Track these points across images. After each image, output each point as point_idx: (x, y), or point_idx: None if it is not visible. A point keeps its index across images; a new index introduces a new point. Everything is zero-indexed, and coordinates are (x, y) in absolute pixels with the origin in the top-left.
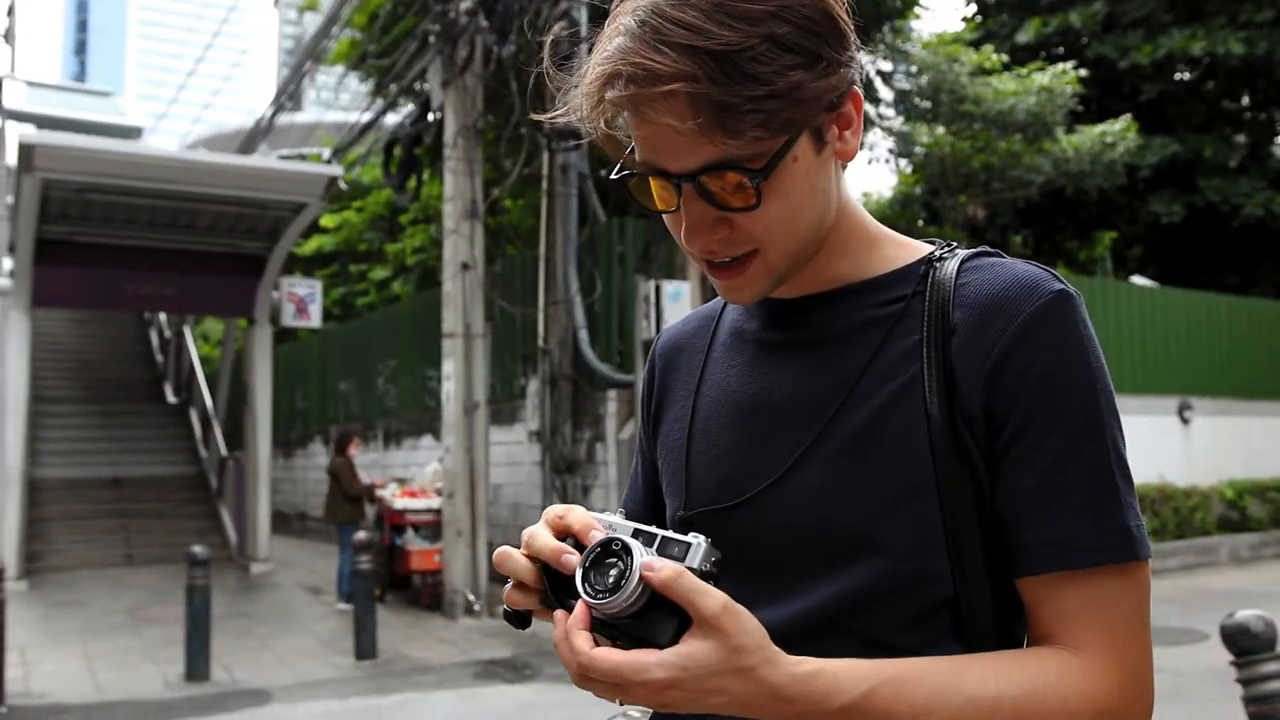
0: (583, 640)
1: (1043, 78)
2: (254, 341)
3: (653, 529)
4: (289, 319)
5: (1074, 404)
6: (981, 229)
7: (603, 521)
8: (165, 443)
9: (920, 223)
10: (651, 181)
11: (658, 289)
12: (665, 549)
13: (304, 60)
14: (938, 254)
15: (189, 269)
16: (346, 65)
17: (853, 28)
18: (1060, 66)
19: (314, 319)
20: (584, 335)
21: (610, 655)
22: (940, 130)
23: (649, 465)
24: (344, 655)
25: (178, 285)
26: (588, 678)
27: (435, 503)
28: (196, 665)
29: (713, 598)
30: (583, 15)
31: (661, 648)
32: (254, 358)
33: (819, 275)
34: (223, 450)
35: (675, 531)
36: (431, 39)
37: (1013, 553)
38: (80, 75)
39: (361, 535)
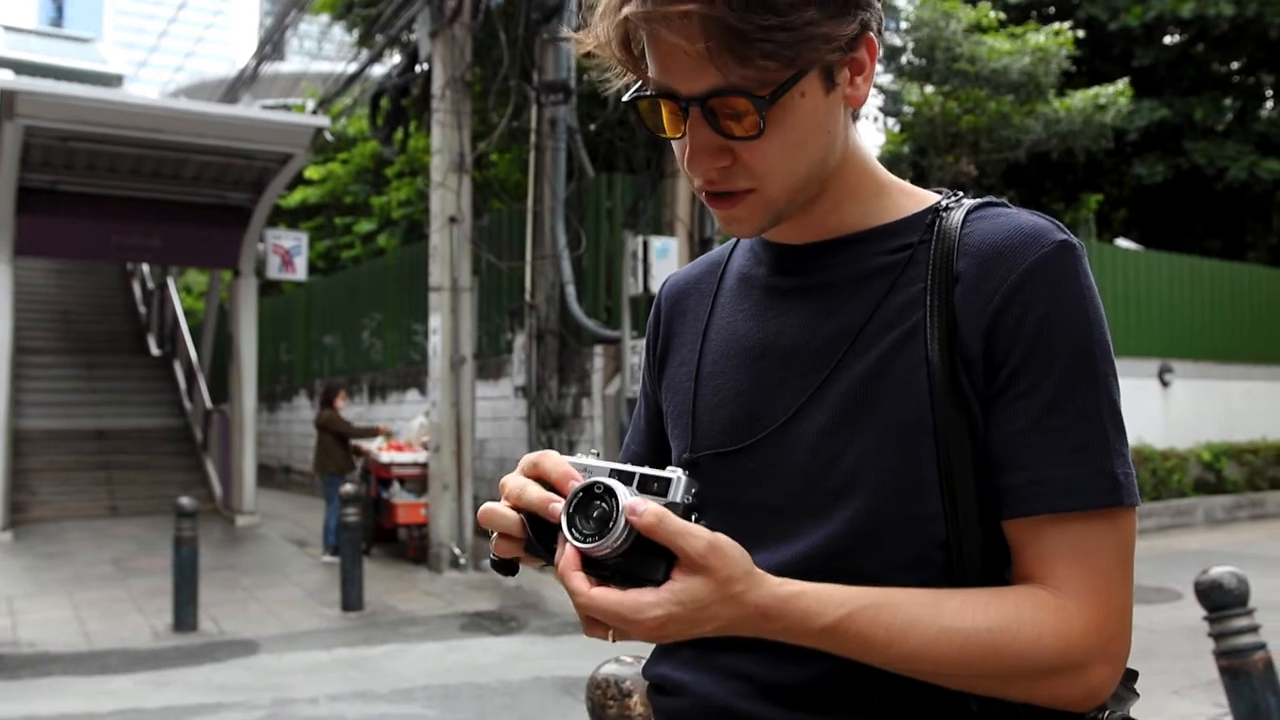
0: (579, 581)
1: (1038, 37)
2: (239, 294)
3: (629, 467)
4: (274, 271)
5: (1070, 350)
6: (967, 189)
7: (577, 465)
8: (149, 395)
9: (908, 182)
10: (662, 105)
11: (645, 245)
12: (645, 486)
13: (288, 10)
14: (944, 203)
15: (173, 220)
16: (332, 15)
17: None
18: (1056, 26)
19: (300, 272)
20: (571, 290)
21: (608, 595)
22: (930, 89)
23: (653, 407)
24: (330, 607)
25: (162, 236)
26: (590, 618)
27: (421, 456)
28: (184, 615)
29: (697, 538)
30: None
31: (657, 583)
32: (239, 310)
33: (826, 221)
34: (207, 403)
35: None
36: None
37: (1001, 494)
38: (57, 20)
39: (348, 488)
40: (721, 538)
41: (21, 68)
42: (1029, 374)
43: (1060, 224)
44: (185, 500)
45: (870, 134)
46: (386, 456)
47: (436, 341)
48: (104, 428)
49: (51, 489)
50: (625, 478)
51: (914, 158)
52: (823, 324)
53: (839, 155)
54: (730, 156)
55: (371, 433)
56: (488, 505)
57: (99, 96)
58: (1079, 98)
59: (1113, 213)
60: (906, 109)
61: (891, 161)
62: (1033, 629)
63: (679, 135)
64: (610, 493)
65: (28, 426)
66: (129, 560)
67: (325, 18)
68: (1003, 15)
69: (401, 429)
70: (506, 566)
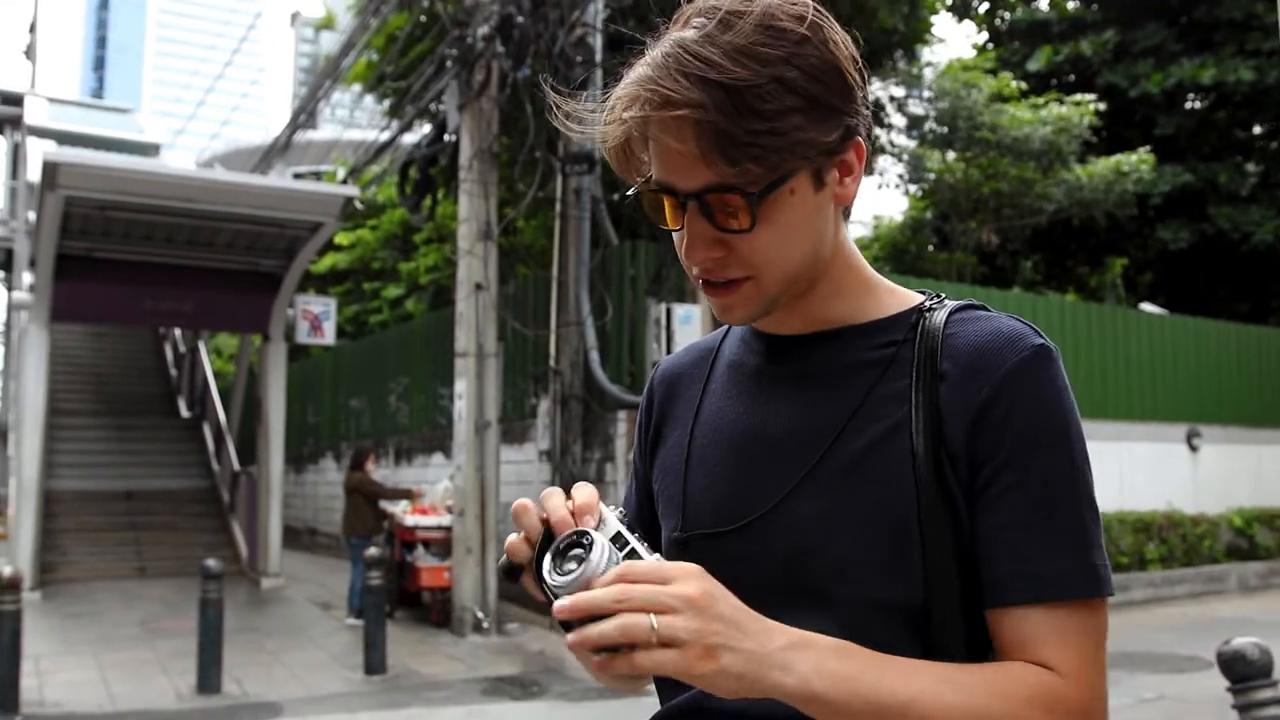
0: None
1: (1060, 108)
2: (268, 358)
3: (629, 536)
4: (303, 336)
5: (1051, 447)
6: (992, 254)
7: (603, 510)
8: (178, 456)
9: (931, 248)
10: (663, 200)
11: (668, 312)
12: (630, 556)
13: (321, 80)
14: (927, 304)
15: (206, 286)
16: (364, 86)
17: (862, 85)
18: (1078, 97)
19: (328, 336)
20: (595, 356)
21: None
22: (951, 156)
23: (643, 488)
24: (354, 670)
25: (195, 301)
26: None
27: (446, 520)
28: (209, 677)
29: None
30: (597, 42)
31: None
32: (268, 374)
33: (816, 314)
34: (235, 465)
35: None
36: (448, 63)
37: (987, 585)
38: (99, 91)
39: (372, 551)
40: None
41: (63, 138)
42: (1013, 470)
43: (1036, 328)
44: (211, 562)
45: (894, 200)
46: (411, 520)
47: (462, 406)
48: (133, 489)
49: (81, 550)
50: (622, 544)
51: (937, 223)
52: (810, 413)
53: (830, 250)
54: (725, 248)
55: (404, 494)
56: (522, 501)
57: (136, 168)
58: (1101, 165)
59: (1138, 276)
60: (928, 175)
61: (915, 228)
62: (1026, 700)
63: (679, 228)
64: (591, 547)
65: (59, 487)
66: (155, 621)
67: (358, 87)
68: (1023, 85)
69: (426, 492)
70: (511, 574)
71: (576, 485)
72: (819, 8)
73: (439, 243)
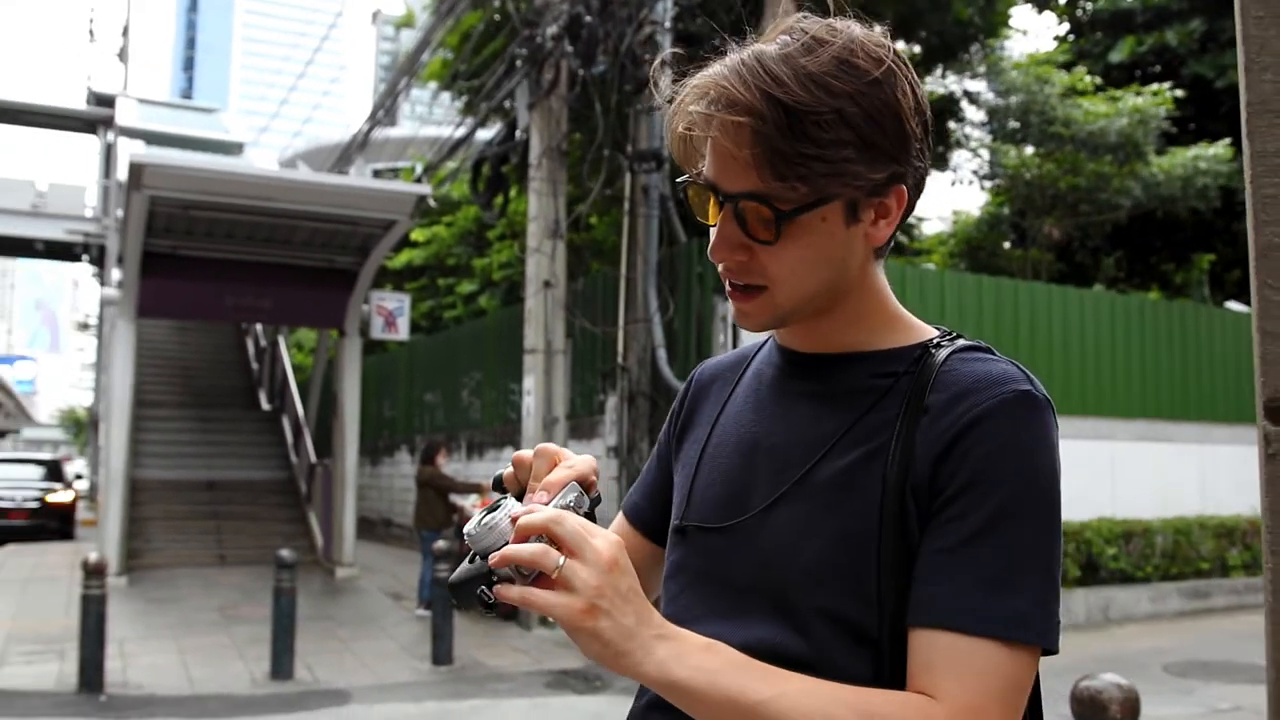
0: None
1: (1136, 99)
2: (344, 353)
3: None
4: (378, 332)
5: (1007, 490)
6: (1071, 251)
7: (569, 488)
8: (258, 448)
9: (1007, 244)
10: (708, 195)
11: None
12: None
13: (399, 79)
14: (935, 340)
15: (284, 282)
16: (438, 84)
17: (922, 139)
18: (1155, 87)
19: (401, 332)
20: (662, 354)
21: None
22: (1028, 151)
23: (663, 470)
24: (421, 660)
25: (273, 297)
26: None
27: None
28: (281, 664)
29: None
30: (666, 41)
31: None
32: (343, 369)
33: (833, 338)
34: (312, 457)
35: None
36: (518, 62)
37: (912, 604)
38: (188, 91)
39: (441, 544)
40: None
41: (152, 138)
42: (961, 502)
43: (1031, 376)
44: (285, 552)
45: (972, 196)
46: (479, 514)
47: (530, 402)
48: (215, 479)
49: (165, 537)
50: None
51: (1014, 219)
52: (807, 429)
53: (851, 283)
54: (749, 254)
55: (473, 488)
56: (520, 454)
57: (217, 168)
58: (1178, 158)
59: (1225, 273)
60: (1004, 170)
61: (992, 223)
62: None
63: (714, 224)
64: (499, 506)
65: (146, 476)
66: (233, 608)
67: (434, 85)
68: (1099, 80)
69: None
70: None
71: (567, 458)
72: (900, 54)
73: (513, 238)
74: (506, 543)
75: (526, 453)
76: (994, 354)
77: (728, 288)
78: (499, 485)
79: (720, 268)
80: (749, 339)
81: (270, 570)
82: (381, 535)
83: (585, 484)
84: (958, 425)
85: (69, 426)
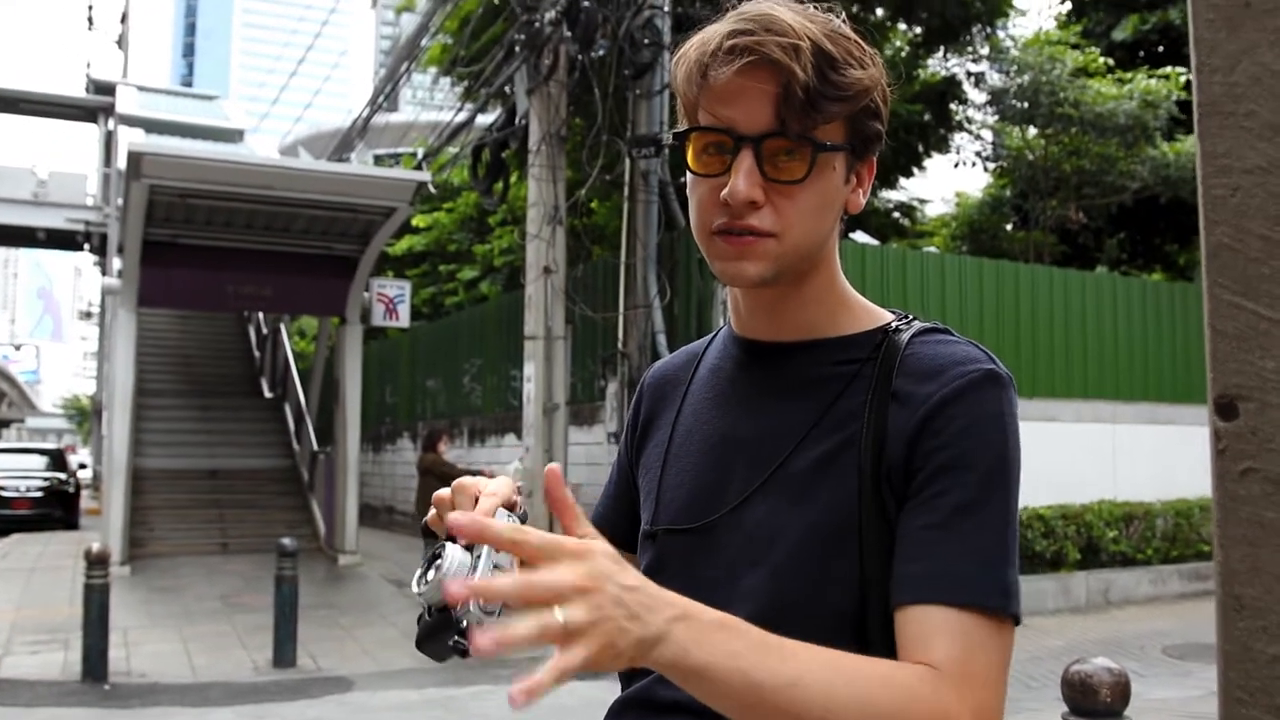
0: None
1: (1147, 82)
2: (345, 340)
3: (499, 559)
4: (379, 319)
5: (984, 465)
6: (1075, 234)
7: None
8: (261, 436)
9: (1010, 226)
10: (708, 142)
11: None
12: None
13: (399, 64)
14: (894, 324)
15: (284, 270)
16: (438, 69)
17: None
18: (1166, 69)
19: (402, 319)
20: (662, 339)
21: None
22: (1032, 132)
23: (625, 479)
24: None
25: (274, 286)
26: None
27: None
28: (284, 652)
29: (593, 533)
30: (665, 24)
31: (447, 648)
32: (344, 356)
33: (794, 319)
34: (314, 444)
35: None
36: (517, 47)
37: (896, 582)
38: (188, 78)
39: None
40: None
41: (151, 126)
42: (943, 479)
43: (993, 355)
44: (287, 540)
45: (974, 178)
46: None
47: (530, 389)
48: (217, 467)
49: (168, 526)
50: (482, 556)
51: (1016, 201)
52: (776, 421)
53: (828, 250)
54: (764, 198)
55: (476, 475)
56: (440, 492)
57: (217, 156)
58: (1189, 143)
59: None
60: (1007, 152)
61: (994, 205)
62: (909, 692)
63: (715, 174)
64: (443, 554)
65: (147, 465)
66: (236, 596)
67: (434, 70)
68: (1109, 60)
69: (497, 474)
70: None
71: (486, 487)
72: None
73: (513, 224)
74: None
75: (445, 492)
76: (954, 334)
77: (722, 239)
78: (427, 531)
79: (718, 220)
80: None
81: (272, 558)
82: (384, 522)
83: (509, 506)
84: (928, 405)
85: (74, 415)
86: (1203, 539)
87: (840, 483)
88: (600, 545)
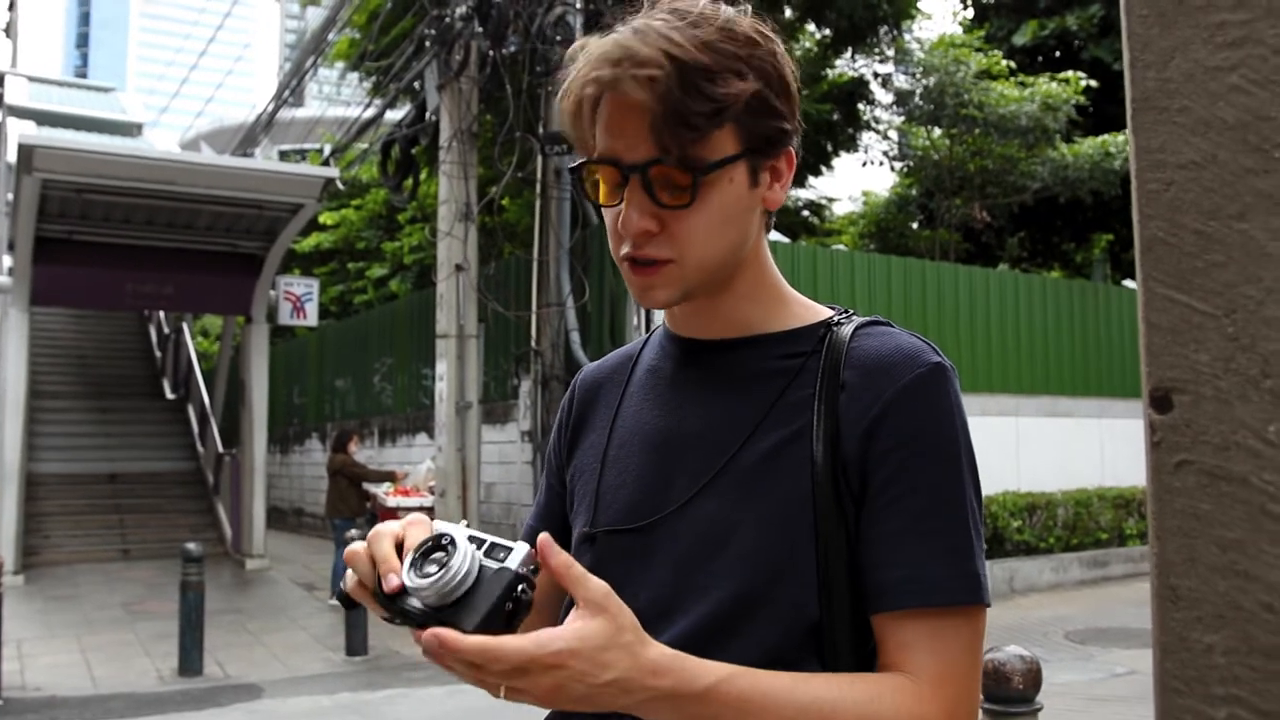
0: (453, 634)
1: (1049, 85)
2: (251, 339)
3: (482, 534)
4: (286, 317)
5: (942, 460)
6: (978, 232)
7: (442, 528)
8: (163, 438)
9: (915, 225)
10: (601, 175)
11: None
12: (492, 552)
13: (305, 58)
14: (836, 319)
15: (187, 268)
16: (346, 64)
17: (797, 103)
18: (1067, 74)
19: (310, 318)
20: (576, 337)
21: (504, 639)
22: (937, 133)
23: (555, 490)
24: (335, 651)
25: (176, 284)
26: (475, 665)
27: (428, 501)
28: (190, 660)
29: (597, 583)
30: (577, 21)
31: (465, 632)
32: (250, 356)
33: (730, 316)
34: (219, 446)
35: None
36: (427, 43)
37: (873, 590)
38: (82, 69)
39: (353, 533)
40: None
41: (43, 118)
42: (904, 480)
43: (935, 347)
44: (192, 545)
45: (881, 177)
46: (393, 501)
47: (443, 387)
48: (117, 471)
49: (64, 533)
50: (479, 542)
51: (922, 200)
52: (720, 417)
53: (750, 249)
54: (659, 224)
55: (386, 476)
56: (354, 548)
57: (114, 150)
58: (1087, 145)
59: (1123, 253)
60: (914, 152)
61: (900, 205)
62: (891, 708)
63: (615, 203)
64: (454, 543)
65: (42, 470)
66: (138, 604)
67: (341, 65)
68: (1012, 64)
69: (409, 474)
70: (351, 602)
71: (408, 520)
72: (773, 28)
73: (423, 222)
74: (458, 586)
75: (359, 546)
76: (894, 326)
77: (629, 267)
78: (347, 601)
79: (624, 249)
80: (662, 321)
81: (177, 564)
82: (293, 525)
83: (429, 511)
84: (881, 402)
85: None
86: (1101, 527)
87: (792, 475)
88: (594, 627)
